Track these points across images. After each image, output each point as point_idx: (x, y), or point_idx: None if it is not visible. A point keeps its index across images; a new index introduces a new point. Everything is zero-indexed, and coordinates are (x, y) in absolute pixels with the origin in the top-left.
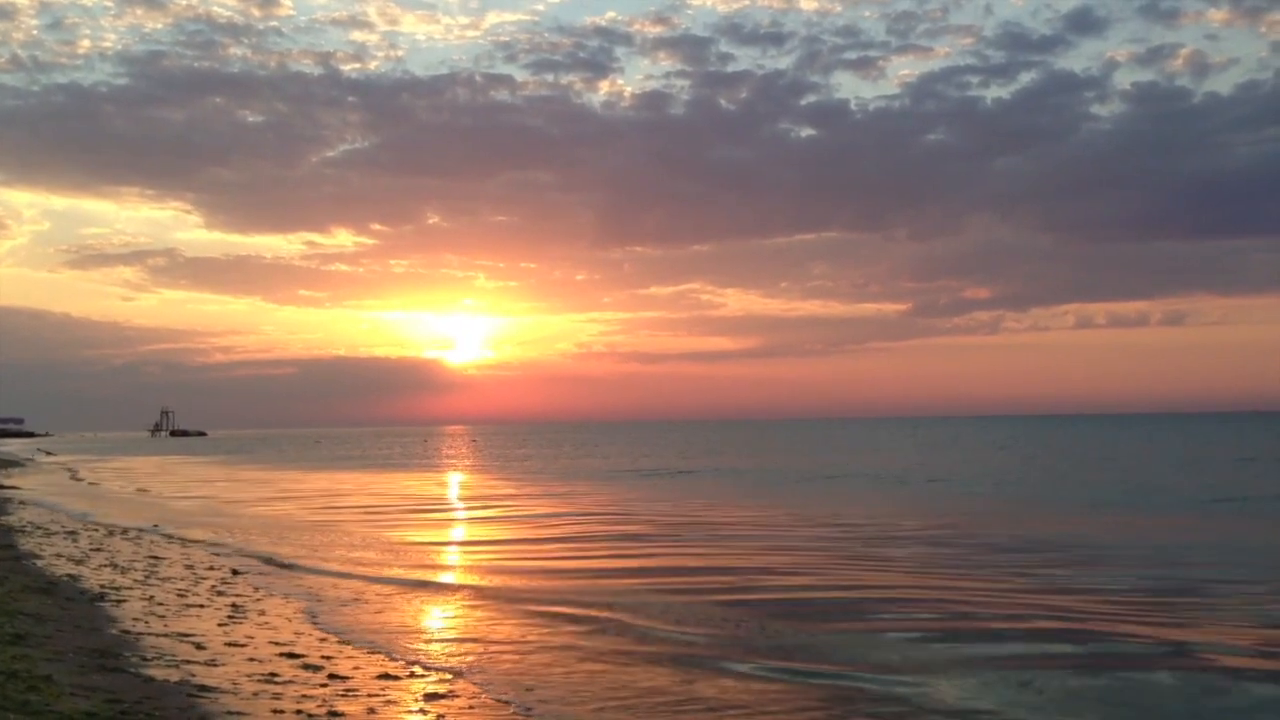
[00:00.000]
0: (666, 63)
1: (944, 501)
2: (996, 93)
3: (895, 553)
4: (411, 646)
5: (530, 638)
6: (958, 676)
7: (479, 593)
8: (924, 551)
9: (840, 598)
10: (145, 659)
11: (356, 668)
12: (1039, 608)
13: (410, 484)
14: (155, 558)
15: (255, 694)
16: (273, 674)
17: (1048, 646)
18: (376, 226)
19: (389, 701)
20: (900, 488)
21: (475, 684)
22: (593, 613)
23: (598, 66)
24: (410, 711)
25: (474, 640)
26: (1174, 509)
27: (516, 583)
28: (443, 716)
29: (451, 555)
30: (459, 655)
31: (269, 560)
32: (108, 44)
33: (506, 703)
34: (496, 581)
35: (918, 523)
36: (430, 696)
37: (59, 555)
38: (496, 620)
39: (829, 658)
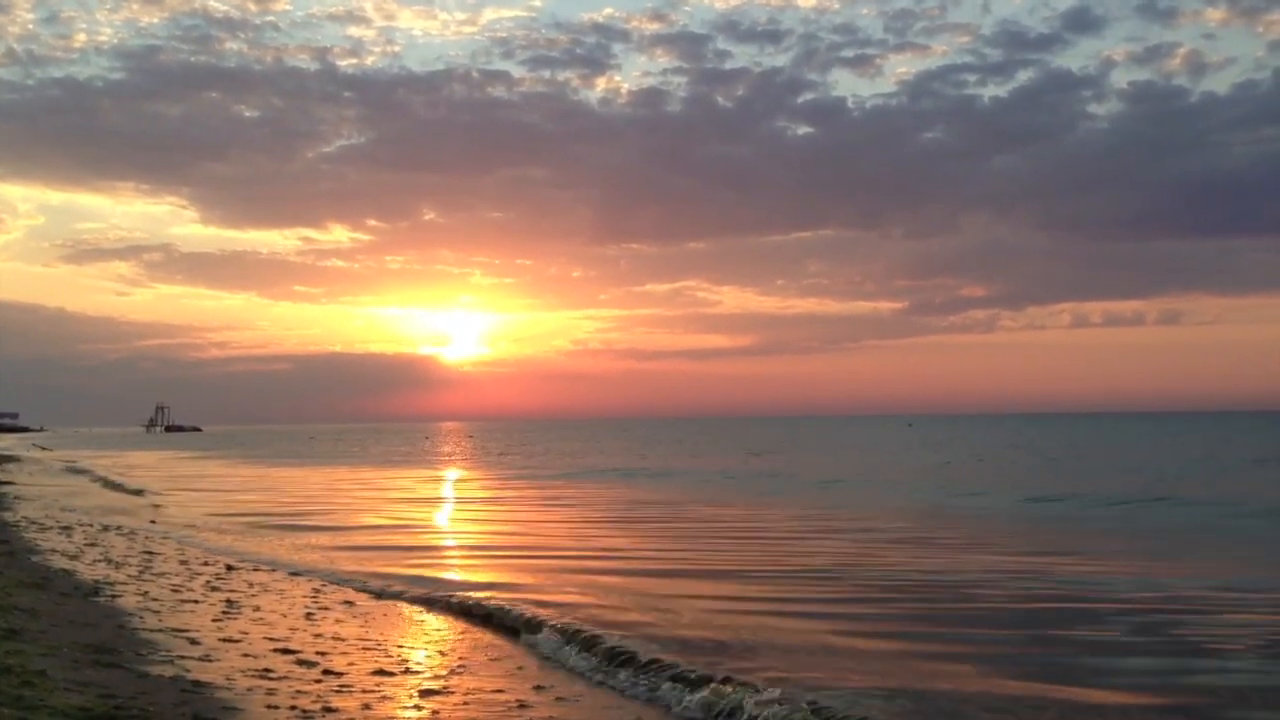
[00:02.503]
0: (663, 60)
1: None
2: (994, 91)
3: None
4: (407, 644)
5: (527, 637)
6: None
7: (478, 591)
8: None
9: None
10: (140, 654)
11: (351, 664)
12: None
13: (407, 481)
14: (150, 553)
15: (250, 690)
16: (267, 670)
17: None
18: (372, 222)
19: (384, 697)
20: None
21: (470, 681)
22: (592, 613)
23: (595, 63)
24: (405, 707)
25: (472, 638)
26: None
27: (513, 583)
28: (437, 712)
29: (450, 555)
30: (454, 652)
31: (263, 556)
32: (104, 38)
33: (502, 700)
34: (494, 581)
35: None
36: (425, 693)
37: (53, 550)
38: (496, 618)
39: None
